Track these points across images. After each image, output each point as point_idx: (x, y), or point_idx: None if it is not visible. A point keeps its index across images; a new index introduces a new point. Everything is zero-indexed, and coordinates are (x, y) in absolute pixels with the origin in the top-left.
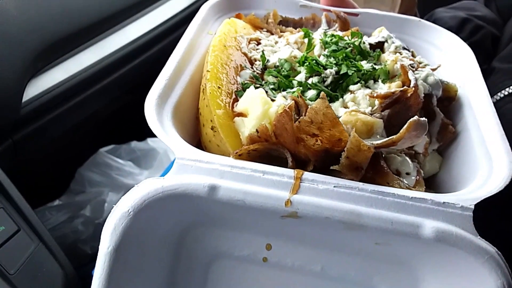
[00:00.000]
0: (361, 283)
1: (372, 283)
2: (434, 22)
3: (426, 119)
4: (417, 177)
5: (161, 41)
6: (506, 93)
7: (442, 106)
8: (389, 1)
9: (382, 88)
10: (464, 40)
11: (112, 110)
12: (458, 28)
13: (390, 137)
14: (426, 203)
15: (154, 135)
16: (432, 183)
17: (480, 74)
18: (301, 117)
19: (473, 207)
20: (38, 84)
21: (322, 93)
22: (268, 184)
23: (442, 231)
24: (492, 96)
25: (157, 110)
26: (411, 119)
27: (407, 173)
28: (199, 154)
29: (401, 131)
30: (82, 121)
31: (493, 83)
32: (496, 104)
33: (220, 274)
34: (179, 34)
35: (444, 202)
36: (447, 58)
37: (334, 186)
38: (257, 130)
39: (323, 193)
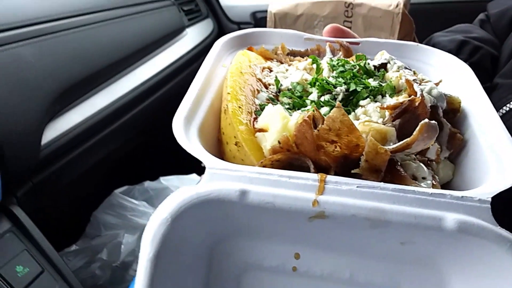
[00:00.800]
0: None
1: (399, 287)
2: (433, 46)
3: (436, 122)
4: (433, 181)
5: (168, 82)
6: None
7: (448, 118)
8: (388, 27)
9: (390, 102)
10: (464, 61)
11: (125, 151)
12: (457, 50)
13: (404, 140)
14: (446, 198)
15: (166, 174)
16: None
17: (481, 87)
18: (320, 126)
19: (490, 199)
20: (56, 126)
21: (337, 102)
22: (295, 187)
23: (464, 222)
24: (497, 110)
25: (184, 130)
26: (422, 122)
27: (423, 178)
28: (227, 164)
29: (414, 133)
30: (97, 163)
31: (497, 98)
32: (502, 118)
33: (252, 286)
34: (185, 75)
35: (462, 196)
36: (447, 76)
37: (357, 186)
38: (279, 141)
39: (347, 193)
